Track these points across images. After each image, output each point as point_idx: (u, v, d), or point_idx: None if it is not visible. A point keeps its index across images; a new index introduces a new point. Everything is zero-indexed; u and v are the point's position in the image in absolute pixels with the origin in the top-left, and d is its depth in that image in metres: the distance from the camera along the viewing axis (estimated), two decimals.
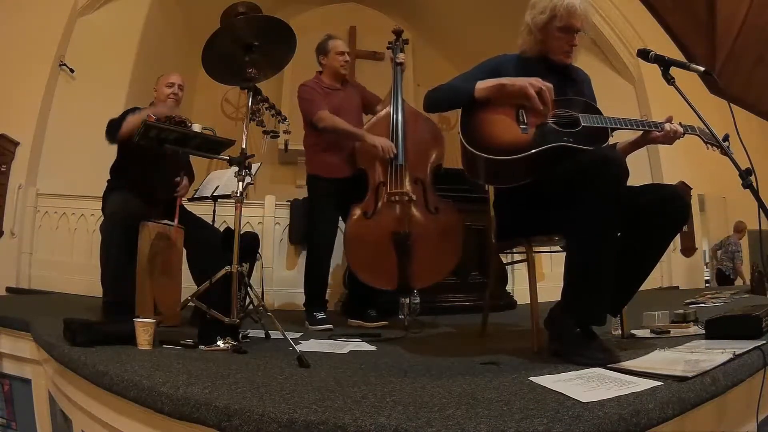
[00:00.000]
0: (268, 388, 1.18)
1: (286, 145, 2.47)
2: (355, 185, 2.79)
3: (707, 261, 6.51)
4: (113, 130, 2.46)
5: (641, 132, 1.75)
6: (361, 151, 2.78)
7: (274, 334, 2.11)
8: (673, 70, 1.60)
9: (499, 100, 1.71)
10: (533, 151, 1.62)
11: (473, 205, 3.13)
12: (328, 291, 3.00)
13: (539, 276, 2.16)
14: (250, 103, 2.05)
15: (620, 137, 1.84)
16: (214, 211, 3.62)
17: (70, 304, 3.20)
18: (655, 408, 0.98)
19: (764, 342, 1.42)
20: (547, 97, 1.65)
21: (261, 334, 2.14)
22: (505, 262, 3.50)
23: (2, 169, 4.54)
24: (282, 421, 0.95)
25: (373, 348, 2.00)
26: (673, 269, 5.85)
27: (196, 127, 2.43)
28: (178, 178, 2.67)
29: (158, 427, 1.17)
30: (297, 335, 2.20)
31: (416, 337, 2.43)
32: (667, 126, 1.69)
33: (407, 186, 2.69)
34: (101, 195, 2.65)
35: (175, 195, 2.64)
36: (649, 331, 1.94)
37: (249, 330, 2.14)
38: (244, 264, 2.04)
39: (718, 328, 1.63)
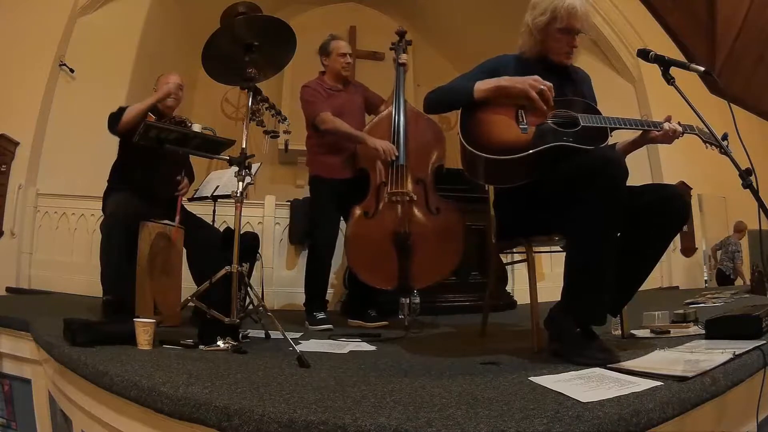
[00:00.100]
0: (268, 388, 1.18)
1: (286, 145, 2.47)
2: (357, 186, 2.79)
3: (707, 261, 6.50)
4: (114, 120, 2.47)
5: (640, 132, 1.75)
6: (363, 152, 2.78)
7: (274, 334, 2.10)
8: (673, 70, 1.60)
9: (498, 100, 1.71)
10: (532, 150, 1.62)
11: (473, 205, 3.12)
12: (328, 291, 3.00)
13: (539, 276, 2.16)
14: (250, 103, 2.05)
15: (619, 137, 1.84)
16: (214, 211, 3.62)
17: (70, 304, 3.20)
18: (655, 408, 0.98)
19: (764, 342, 1.42)
20: (548, 96, 1.66)
21: (261, 334, 2.14)
22: (505, 262, 3.50)
23: (2, 169, 4.54)
24: (282, 421, 0.95)
25: (373, 348, 2.00)
26: (673, 269, 5.85)
27: (196, 127, 2.44)
28: (179, 177, 2.67)
29: (158, 427, 1.17)
30: (297, 335, 2.20)
31: (416, 337, 2.43)
32: (666, 125, 1.69)
33: (408, 186, 2.69)
34: (101, 195, 2.65)
35: (177, 194, 2.64)
36: (649, 331, 1.94)
37: (249, 330, 2.14)
38: (244, 264, 2.04)
39: (718, 328, 1.63)
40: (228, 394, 1.11)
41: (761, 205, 1.30)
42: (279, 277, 4.45)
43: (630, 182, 1.53)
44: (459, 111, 1.77)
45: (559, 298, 1.59)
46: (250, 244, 2.71)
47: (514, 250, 2.26)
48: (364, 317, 2.87)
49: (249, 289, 2.08)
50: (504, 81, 1.70)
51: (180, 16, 5.97)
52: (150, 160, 2.51)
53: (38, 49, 4.79)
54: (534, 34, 1.80)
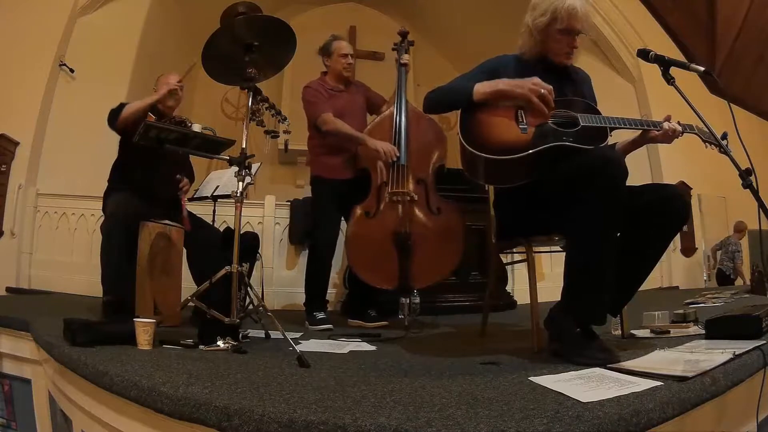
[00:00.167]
0: (268, 388, 1.18)
1: (286, 145, 2.47)
2: (358, 186, 2.79)
3: (706, 261, 6.50)
4: (114, 116, 2.46)
5: (640, 131, 1.75)
6: (364, 153, 2.79)
7: (274, 334, 2.10)
8: (673, 70, 1.60)
9: (498, 101, 1.71)
10: (532, 150, 1.62)
11: (473, 205, 3.13)
12: (329, 291, 3.00)
13: (539, 276, 2.16)
14: (250, 103, 2.05)
15: (619, 137, 1.84)
16: (214, 211, 3.62)
17: (70, 304, 3.20)
18: (655, 408, 0.98)
19: (764, 342, 1.42)
20: (549, 100, 1.65)
21: (261, 334, 2.14)
22: (505, 262, 3.50)
23: (2, 169, 4.54)
24: (282, 421, 0.95)
25: (373, 348, 2.00)
26: (673, 269, 5.85)
27: (196, 127, 2.44)
28: (179, 176, 2.67)
29: (158, 427, 1.17)
30: (297, 335, 2.20)
31: (416, 337, 2.43)
32: (666, 125, 1.69)
33: (409, 186, 2.69)
34: (101, 195, 2.65)
35: (178, 194, 2.64)
36: (649, 331, 1.94)
37: (249, 330, 2.14)
38: (244, 264, 2.04)
39: (718, 328, 1.63)
40: (228, 394, 1.11)
41: (761, 205, 1.30)
42: (279, 277, 4.45)
43: (630, 182, 1.53)
44: (459, 111, 1.77)
45: (559, 298, 1.59)
46: (250, 244, 2.71)
47: (514, 250, 2.26)
48: (364, 317, 2.87)
49: (249, 289, 2.08)
50: (503, 85, 1.69)
51: (180, 16, 5.97)
52: (150, 160, 2.51)
53: (38, 49, 4.80)
54: (534, 35, 1.80)
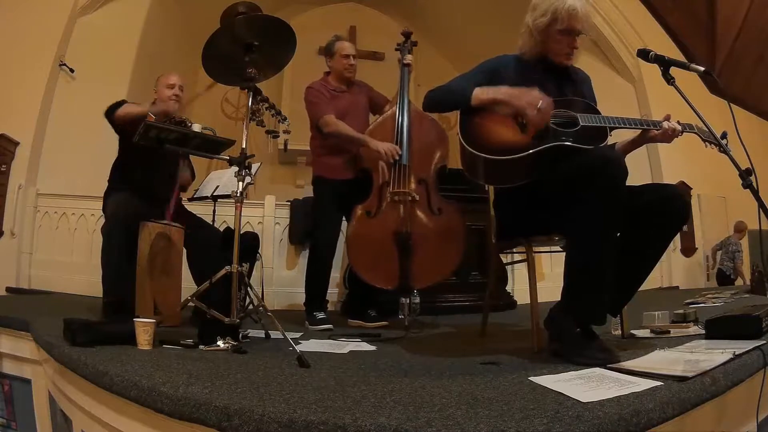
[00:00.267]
0: (268, 388, 1.18)
1: (285, 144, 2.47)
2: (359, 186, 2.80)
3: (705, 262, 6.50)
4: (111, 109, 2.46)
5: (640, 131, 1.75)
6: (366, 153, 2.79)
7: (274, 334, 2.10)
8: (673, 70, 1.60)
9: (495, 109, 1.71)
10: (532, 150, 1.62)
11: (473, 205, 3.13)
12: (330, 291, 3.00)
13: (539, 276, 2.16)
14: (250, 103, 2.05)
15: (619, 137, 1.84)
16: (214, 211, 3.62)
17: (70, 304, 3.20)
18: (655, 408, 0.98)
19: (764, 342, 1.42)
20: (547, 116, 1.64)
21: (261, 334, 2.14)
22: (505, 262, 3.50)
23: (2, 169, 4.54)
24: (282, 421, 0.95)
25: (373, 348, 2.00)
26: (673, 269, 5.85)
27: (196, 127, 2.43)
28: (181, 166, 2.66)
29: (158, 427, 1.17)
30: (297, 335, 2.20)
31: (416, 337, 2.43)
32: (666, 124, 1.69)
33: (411, 186, 2.69)
34: (101, 195, 2.65)
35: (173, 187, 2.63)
36: (649, 331, 1.94)
37: (249, 330, 2.14)
38: (244, 264, 2.04)
39: (718, 328, 1.63)
40: (228, 394, 1.11)
41: (761, 205, 1.30)
42: (279, 277, 4.45)
43: (630, 182, 1.53)
44: (459, 111, 1.77)
45: (559, 298, 1.59)
46: (250, 244, 2.71)
47: (514, 250, 2.26)
48: (364, 317, 2.87)
49: (249, 289, 2.08)
50: (501, 95, 1.69)
51: (180, 16, 5.97)
52: (150, 160, 2.51)
53: (38, 49, 4.80)
54: (534, 35, 1.80)
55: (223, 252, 2.35)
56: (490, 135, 1.69)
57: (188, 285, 2.48)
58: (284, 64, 2.25)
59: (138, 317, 1.81)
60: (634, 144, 1.81)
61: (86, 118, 4.21)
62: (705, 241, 6.44)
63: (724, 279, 6.25)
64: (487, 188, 2.23)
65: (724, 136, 1.61)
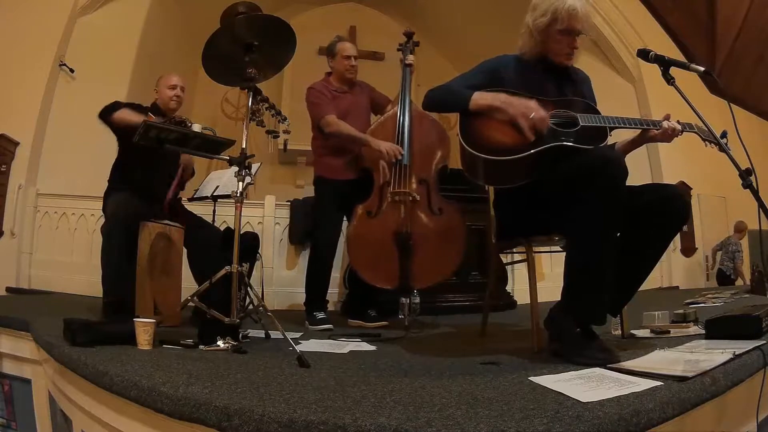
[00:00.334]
0: (268, 388, 1.18)
1: (285, 144, 2.47)
2: (360, 186, 2.80)
3: (705, 262, 6.50)
4: (107, 111, 2.45)
5: (640, 131, 1.75)
6: (367, 152, 2.79)
7: (274, 334, 2.10)
8: (673, 70, 1.60)
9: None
10: (532, 151, 1.62)
11: (473, 205, 3.13)
12: (331, 291, 3.00)
13: (539, 276, 2.16)
14: (250, 103, 2.05)
15: (619, 136, 1.84)
16: (214, 211, 3.63)
17: (70, 304, 3.20)
18: (655, 408, 0.98)
19: (764, 342, 1.42)
20: (540, 128, 1.64)
21: (261, 334, 2.14)
22: (505, 262, 3.50)
23: (2, 169, 4.54)
24: (282, 421, 0.95)
25: (373, 348, 2.00)
26: (673, 269, 5.85)
27: (196, 127, 2.43)
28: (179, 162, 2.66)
29: (158, 427, 1.17)
30: (297, 335, 2.20)
31: (416, 337, 2.43)
32: (665, 124, 1.69)
33: (412, 186, 2.69)
34: (101, 195, 2.65)
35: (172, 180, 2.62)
36: (649, 331, 1.94)
37: (249, 330, 2.14)
38: (244, 264, 2.04)
39: (718, 328, 1.63)
40: (228, 394, 1.11)
41: (761, 205, 1.30)
42: (279, 277, 4.45)
43: (630, 182, 1.53)
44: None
45: (559, 298, 1.59)
46: (250, 244, 2.71)
47: (514, 250, 2.26)
48: (364, 317, 2.87)
49: (249, 289, 2.08)
50: (499, 102, 1.69)
51: (180, 16, 5.97)
52: (150, 160, 2.51)
53: (38, 49, 4.79)
54: (534, 36, 1.80)
55: (223, 252, 2.35)
56: (489, 135, 1.69)
57: (188, 285, 2.49)
58: (284, 64, 2.25)
59: (138, 317, 1.81)
60: (634, 144, 1.81)
61: (86, 118, 4.18)
62: (705, 241, 6.44)
63: (724, 279, 6.25)
64: (487, 188, 2.23)
65: (724, 135, 1.61)
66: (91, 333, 1.68)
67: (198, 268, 2.56)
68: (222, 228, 3.03)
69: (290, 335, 1.78)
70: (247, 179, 2.00)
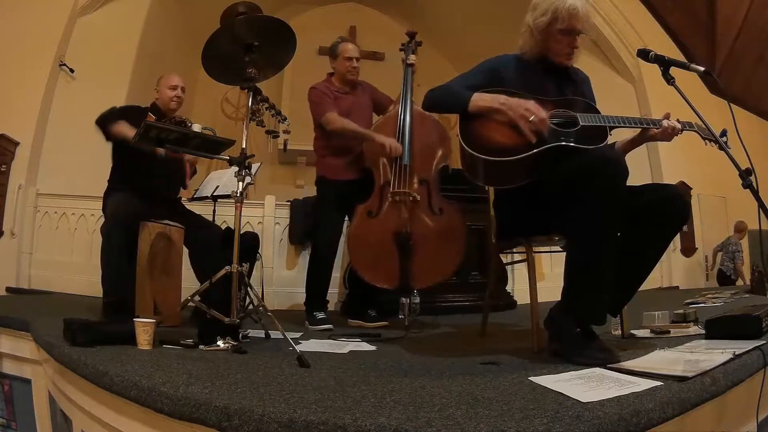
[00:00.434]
0: (268, 388, 1.18)
1: (285, 144, 2.46)
2: (361, 187, 2.80)
3: (705, 262, 6.50)
4: (105, 119, 2.45)
5: (640, 130, 1.75)
6: (369, 151, 2.79)
7: (274, 334, 2.10)
8: (673, 70, 1.60)
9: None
10: (532, 151, 1.62)
11: (473, 205, 3.13)
12: (331, 291, 3.00)
13: (539, 276, 2.16)
14: (250, 103, 2.05)
15: (619, 136, 1.84)
16: (214, 211, 3.62)
17: (70, 304, 3.20)
18: (655, 408, 0.98)
19: (764, 342, 1.42)
20: (541, 129, 1.63)
21: (261, 334, 2.14)
22: (505, 262, 3.50)
23: (2, 169, 4.54)
24: (282, 421, 0.95)
25: (373, 348, 2.00)
26: (673, 269, 5.85)
27: (196, 127, 2.43)
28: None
29: (158, 427, 1.17)
30: (297, 335, 2.20)
31: (416, 337, 2.43)
32: (665, 123, 1.69)
33: (412, 186, 2.69)
34: (101, 195, 2.65)
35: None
36: (649, 331, 1.94)
37: (249, 330, 2.14)
38: (244, 264, 2.04)
39: (718, 328, 1.63)
40: (228, 394, 1.11)
41: (761, 205, 1.30)
42: (279, 277, 4.45)
43: (630, 182, 1.53)
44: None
45: (559, 298, 1.59)
46: (250, 244, 2.71)
47: (514, 250, 2.26)
48: (364, 317, 2.87)
49: (249, 289, 2.08)
50: (498, 104, 1.68)
51: (180, 16, 5.97)
52: (150, 160, 2.51)
53: (38, 49, 4.79)
54: (535, 35, 1.80)
55: (223, 252, 2.35)
56: (489, 136, 1.68)
57: (188, 285, 2.49)
58: (284, 64, 2.25)
59: (138, 317, 1.81)
60: (633, 143, 1.81)
61: (86, 118, 4.18)
62: (705, 241, 6.44)
63: (725, 279, 6.25)
64: (487, 188, 2.23)
65: (723, 134, 1.61)
66: (91, 333, 1.68)
67: (199, 267, 2.56)
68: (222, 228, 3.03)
69: (290, 335, 1.78)
70: (247, 179, 2.00)
